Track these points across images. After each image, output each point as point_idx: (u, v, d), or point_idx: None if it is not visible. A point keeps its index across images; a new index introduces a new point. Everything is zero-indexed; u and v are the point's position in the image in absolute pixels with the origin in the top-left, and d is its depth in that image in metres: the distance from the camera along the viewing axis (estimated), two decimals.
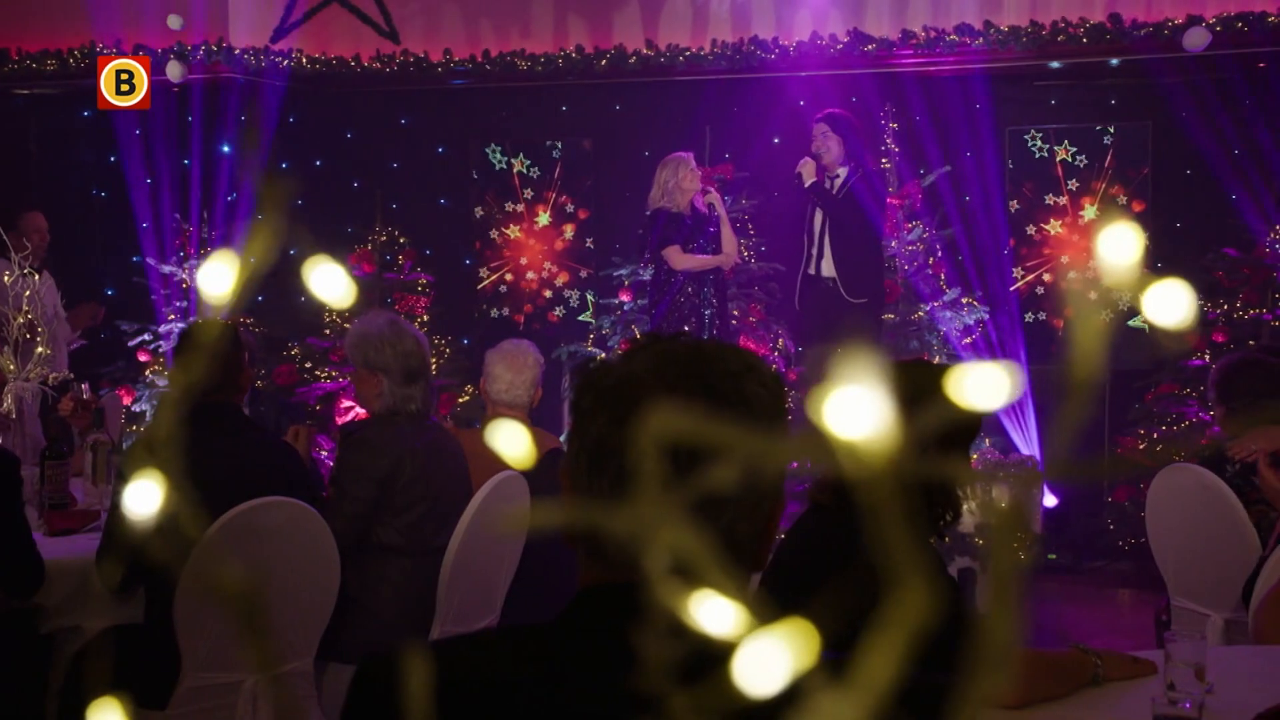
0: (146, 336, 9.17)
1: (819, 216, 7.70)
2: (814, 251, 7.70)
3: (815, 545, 2.58)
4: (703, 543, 0.53)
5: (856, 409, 0.47)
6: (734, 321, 8.24)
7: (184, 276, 9.25)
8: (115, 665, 4.00)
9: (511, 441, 0.65)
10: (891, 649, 0.45)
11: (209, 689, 3.79)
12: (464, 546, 4.26)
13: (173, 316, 9.20)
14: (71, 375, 5.82)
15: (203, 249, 9.31)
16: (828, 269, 7.69)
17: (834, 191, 7.66)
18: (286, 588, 3.86)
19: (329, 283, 0.63)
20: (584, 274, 9.76)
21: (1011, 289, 9.00)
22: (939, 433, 2.13)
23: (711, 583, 0.52)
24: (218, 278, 0.59)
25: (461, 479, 4.49)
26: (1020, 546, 0.49)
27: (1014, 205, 9.10)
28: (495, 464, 4.63)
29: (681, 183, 7.70)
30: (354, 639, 4.18)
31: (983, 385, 0.47)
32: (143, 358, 9.17)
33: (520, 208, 9.86)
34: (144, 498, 0.57)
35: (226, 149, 10.06)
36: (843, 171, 7.68)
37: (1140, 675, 2.89)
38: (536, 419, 5.51)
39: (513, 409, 5.13)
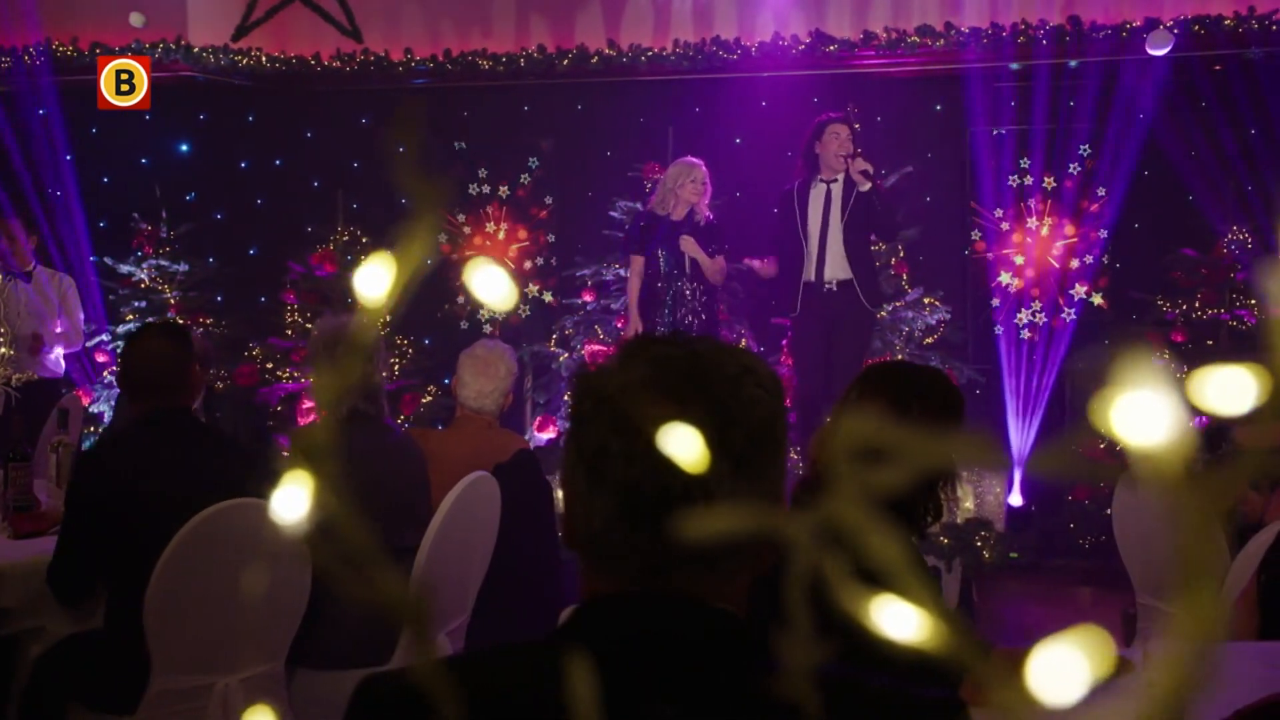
0: (104, 337, 9.10)
1: (815, 222, 7.50)
2: (812, 256, 7.48)
3: None
4: (904, 546, 0.52)
5: (1150, 414, 0.46)
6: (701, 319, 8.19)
7: (142, 276, 9.17)
8: (80, 671, 3.96)
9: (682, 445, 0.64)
10: (1182, 658, 0.45)
11: (179, 693, 3.75)
12: (435, 547, 4.23)
13: (131, 317, 9.12)
14: (35, 376, 5.77)
15: (160, 249, 9.23)
16: (841, 273, 7.46)
17: (834, 200, 7.44)
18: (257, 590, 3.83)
19: (491, 285, 0.62)
20: (546, 274, 9.72)
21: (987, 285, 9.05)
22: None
23: (903, 588, 0.51)
24: (374, 279, 0.58)
25: (418, 480, 4.46)
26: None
27: (974, 206, 9.13)
28: (459, 464, 4.61)
29: (680, 190, 7.65)
30: (321, 644, 4.16)
31: (1225, 390, 0.47)
32: (100, 358, 9.09)
33: (483, 208, 9.81)
34: (294, 503, 0.56)
35: (185, 148, 9.99)
36: (841, 177, 7.48)
37: (1121, 674, 2.91)
38: (509, 419, 5.50)
39: (481, 415, 5.10)
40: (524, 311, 9.38)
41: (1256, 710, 2.58)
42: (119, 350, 9.02)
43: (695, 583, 1.38)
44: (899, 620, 0.52)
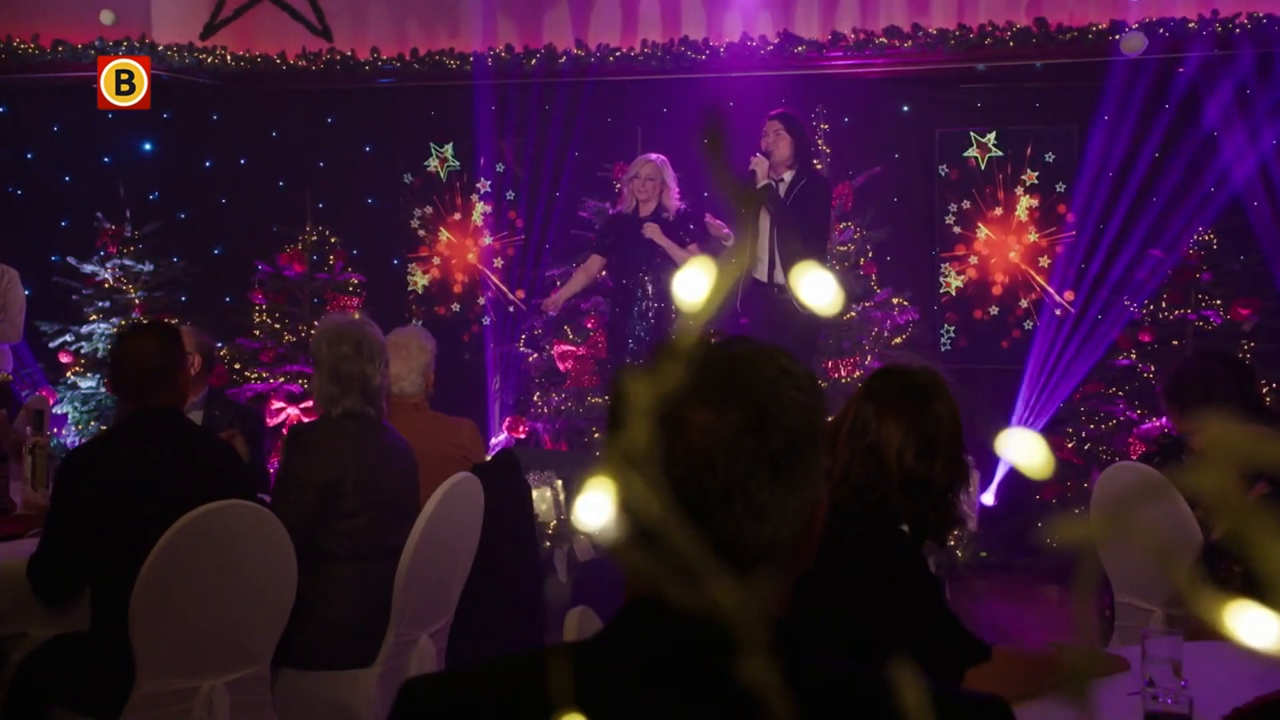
0: (68, 338, 9.00)
1: (765, 221, 7.51)
2: (762, 256, 7.53)
3: (834, 547, 2.55)
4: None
5: None
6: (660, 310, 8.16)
7: (106, 276, 9.08)
8: (64, 674, 3.92)
9: (1026, 451, 0.63)
10: None
11: (164, 696, 3.71)
12: (420, 548, 4.22)
13: (94, 317, 9.03)
14: (10, 376, 5.71)
15: (125, 248, 9.15)
16: (780, 276, 7.43)
17: (781, 195, 7.46)
18: (245, 591, 3.80)
19: (818, 288, 0.61)
20: (515, 274, 9.69)
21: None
22: (945, 437, 2.13)
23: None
24: (694, 284, 0.57)
25: (410, 483, 4.43)
26: None
27: (943, 207, 9.17)
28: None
29: (627, 185, 7.70)
30: (307, 644, 4.14)
31: None
32: (64, 359, 8.99)
33: (450, 208, 9.78)
34: (596, 509, 0.56)
35: (148, 147, 9.90)
36: (789, 175, 7.46)
37: (1115, 672, 2.93)
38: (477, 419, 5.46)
39: (405, 398, 5.04)
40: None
41: (1255, 710, 2.60)
42: (80, 350, 8.93)
43: (737, 585, 1.37)
44: (1260, 628, 0.51)
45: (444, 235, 9.76)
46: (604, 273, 8.09)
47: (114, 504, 3.79)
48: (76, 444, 6.65)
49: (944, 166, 9.15)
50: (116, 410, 6.01)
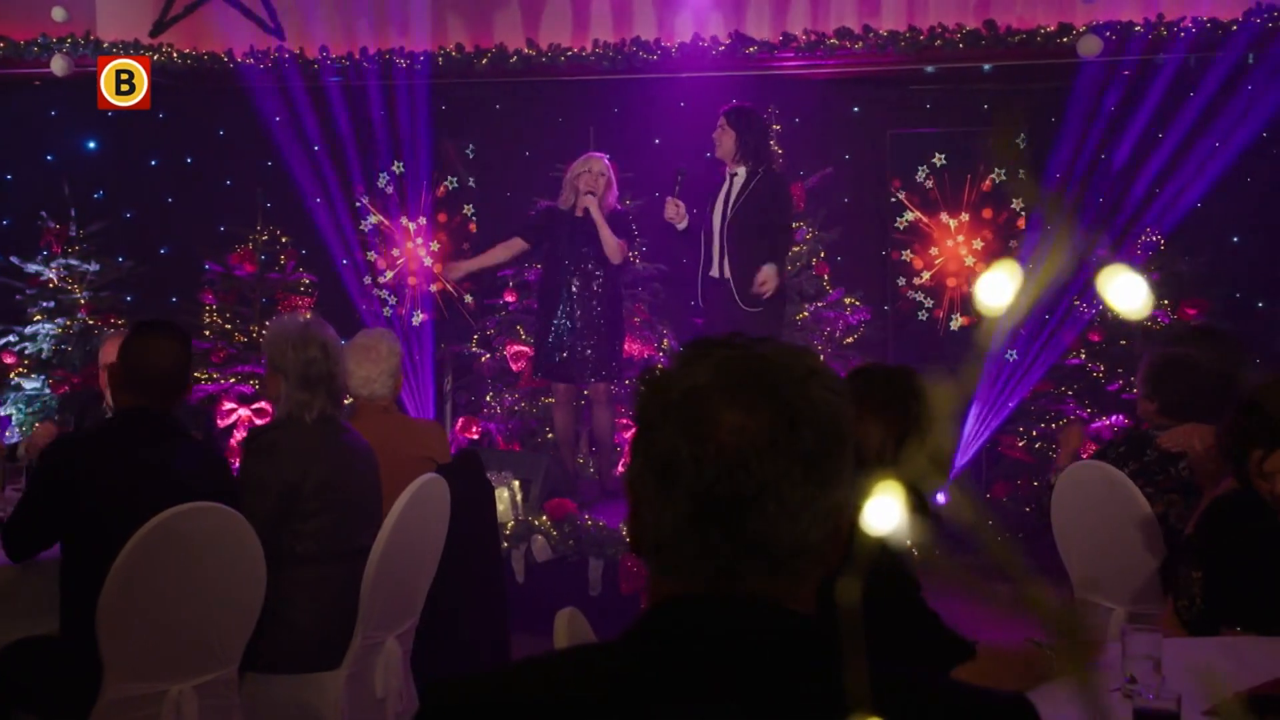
0: (11, 338, 8.87)
1: (717, 218, 7.48)
2: (714, 252, 7.52)
3: None
4: None
5: None
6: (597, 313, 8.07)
7: (50, 276, 8.95)
8: (30, 678, 3.87)
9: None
10: None
11: (131, 700, 3.67)
12: (387, 550, 4.20)
13: (39, 317, 8.90)
14: None
15: (70, 247, 9.02)
16: (728, 271, 7.40)
17: (734, 192, 7.48)
18: (214, 593, 3.77)
19: (1126, 292, 0.61)
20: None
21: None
22: (919, 434, 2.15)
23: None
24: (999, 287, 0.57)
25: (372, 483, 4.41)
26: None
27: (894, 208, 9.21)
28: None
29: (577, 181, 7.64)
30: (272, 648, 4.10)
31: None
32: (7, 360, 8.86)
33: (400, 208, 9.70)
34: (887, 513, 0.55)
35: (93, 145, 9.78)
36: (741, 171, 7.44)
37: (1091, 658, 2.96)
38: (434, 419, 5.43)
39: (375, 401, 5.04)
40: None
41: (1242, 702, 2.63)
42: (24, 351, 8.80)
43: (767, 585, 1.37)
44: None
45: (388, 228, 9.69)
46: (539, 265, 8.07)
47: (91, 501, 3.78)
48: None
49: (894, 167, 9.18)
50: (79, 403, 5.93)
